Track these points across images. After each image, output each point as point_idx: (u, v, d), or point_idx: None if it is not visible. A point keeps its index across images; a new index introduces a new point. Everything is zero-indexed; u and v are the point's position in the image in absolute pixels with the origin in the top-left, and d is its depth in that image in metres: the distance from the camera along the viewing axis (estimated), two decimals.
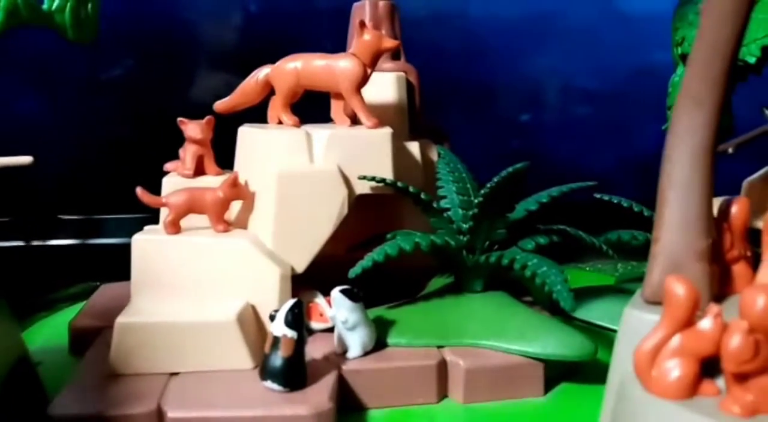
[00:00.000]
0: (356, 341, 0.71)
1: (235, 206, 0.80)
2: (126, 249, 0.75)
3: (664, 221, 0.51)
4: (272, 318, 0.66)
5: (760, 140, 0.82)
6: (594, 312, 0.85)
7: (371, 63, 0.79)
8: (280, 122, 0.82)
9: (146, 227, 0.79)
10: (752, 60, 0.78)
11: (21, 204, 1.18)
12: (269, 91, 0.83)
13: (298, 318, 0.65)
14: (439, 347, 0.73)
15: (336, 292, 0.71)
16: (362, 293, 0.72)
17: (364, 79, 0.79)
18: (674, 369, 0.44)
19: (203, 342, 0.69)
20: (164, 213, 0.78)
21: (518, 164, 0.75)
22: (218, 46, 1.24)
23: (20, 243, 1.18)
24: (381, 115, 0.81)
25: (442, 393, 0.71)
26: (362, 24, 0.80)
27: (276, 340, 0.65)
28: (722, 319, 0.44)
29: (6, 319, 0.65)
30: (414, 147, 0.88)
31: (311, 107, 0.84)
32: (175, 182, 0.82)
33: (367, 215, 0.80)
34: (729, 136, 0.81)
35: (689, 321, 0.45)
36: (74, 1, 0.80)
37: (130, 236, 0.75)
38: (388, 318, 0.76)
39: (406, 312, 0.78)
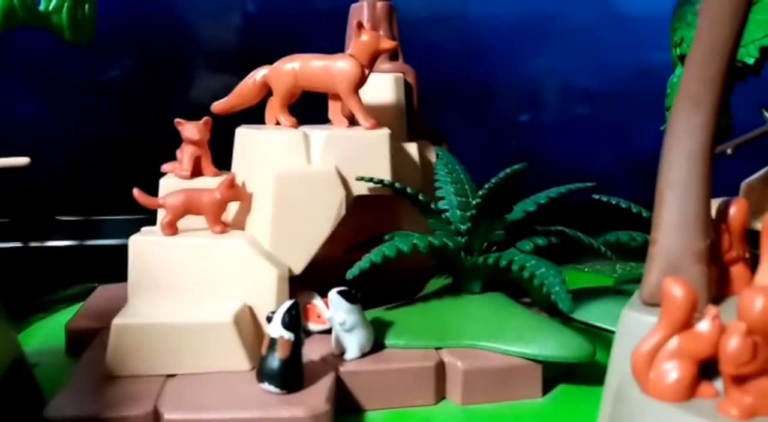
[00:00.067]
0: (354, 342, 0.71)
1: (233, 207, 0.80)
2: (123, 250, 0.75)
3: (661, 222, 0.51)
4: (269, 319, 0.66)
5: (759, 141, 0.81)
6: (592, 314, 0.85)
7: (369, 64, 0.79)
8: (277, 123, 0.82)
9: (143, 229, 0.79)
10: (751, 61, 0.77)
11: (18, 205, 1.18)
12: (267, 92, 0.83)
13: (295, 320, 0.65)
14: (437, 348, 0.73)
15: (333, 293, 0.71)
16: (360, 295, 0.72)
17: (362, 80, 0.79)
18: (672, 371, 0.44)
19: (200, 343, 0.68)
20: (161, 214, 0.78)
21: (516, 165, 0.75)
22: (216, 47, 1.24)
23: (17, 244, 1.18)
24: (379, 116, 0.81)
25: (440, 395, 0.71)
26: (360, 25, 0.80)
27: (273, 342, 0.65)
28: (720, 321, 0.44)
29: (2, 321, 0.65)
30: (412, 148, 0.88)
31: (309, 107, 0.83)
32: (172, 183, 0.82)
33: (365, 216, 0.80)
34: (727, 137, 0.81)
35: (687, 323, 0.45)
36: (71, 2, 0.80)
37: (127, 237, 0.75)
38: (386, 320, 0.76)
39: (403, 314, 0.78)
